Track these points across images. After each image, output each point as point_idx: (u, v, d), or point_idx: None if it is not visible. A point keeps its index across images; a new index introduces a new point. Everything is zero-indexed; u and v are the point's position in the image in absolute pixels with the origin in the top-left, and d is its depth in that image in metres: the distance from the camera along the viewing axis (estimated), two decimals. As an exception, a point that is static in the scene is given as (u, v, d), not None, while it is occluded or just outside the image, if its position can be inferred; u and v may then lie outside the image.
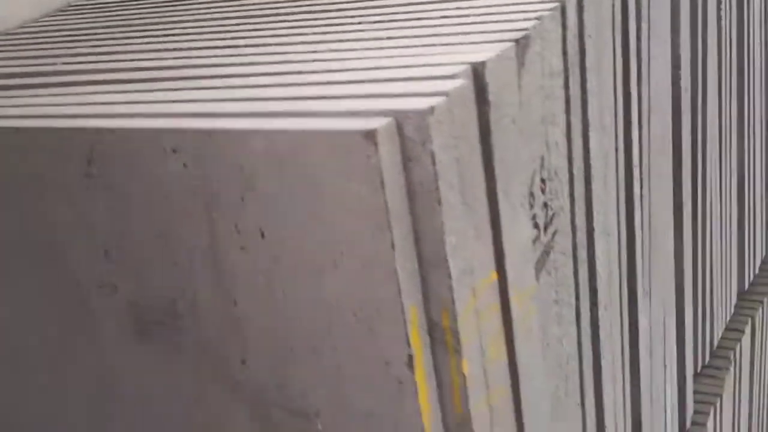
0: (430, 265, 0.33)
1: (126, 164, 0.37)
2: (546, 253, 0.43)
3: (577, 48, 0.42)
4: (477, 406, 0.36)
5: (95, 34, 0.57)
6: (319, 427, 0.38)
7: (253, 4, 0.57)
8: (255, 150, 0.32)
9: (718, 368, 0.90)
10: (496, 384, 0.37)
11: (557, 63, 0.41)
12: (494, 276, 0.36)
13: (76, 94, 0.43)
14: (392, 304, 0.33)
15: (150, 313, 0.41)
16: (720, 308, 0.91)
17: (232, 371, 0.40)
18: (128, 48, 0.51)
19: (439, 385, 0.35)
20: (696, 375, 0.88)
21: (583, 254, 0.48)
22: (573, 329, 0.48)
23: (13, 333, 0.49)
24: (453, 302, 0.33)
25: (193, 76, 0.42)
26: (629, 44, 0.50)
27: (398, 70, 0.35)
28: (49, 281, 0.44)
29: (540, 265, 0.42)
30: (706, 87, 0.75)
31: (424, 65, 0.35)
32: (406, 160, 0.31)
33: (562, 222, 0.45)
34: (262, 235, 0.35)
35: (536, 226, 0.41)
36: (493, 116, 0.34)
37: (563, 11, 0.40)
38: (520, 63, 0.36)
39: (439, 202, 0.31)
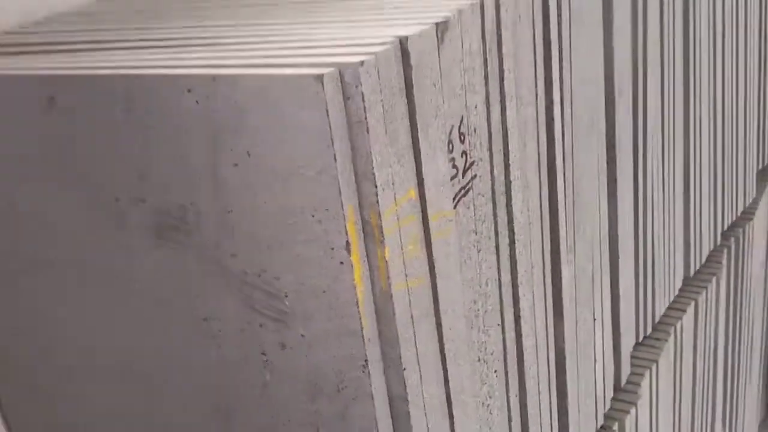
0: (363, 177, 0.47)
1: (154, 103, 0.51)
2: (464, 190, 0.56)
3: (495, 35, 0.56)
4: (397, 286, 0.50)
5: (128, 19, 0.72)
6: (287, 303, 0.52)
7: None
8: (245, 90, 0.47)
9: (657, 339, 1.03)
10: (413, 273, 0.51)
11: (476, 45, 0.55)
12: (413, 193, 0.50)
13: (120, 55, 0.58)
14: (335, 204, 0.47)
15: (167, 219, 0.55)
16: (662, 287, 1.03)
17: (224, 263, 0.54)
18: (156, 25, 0.66)
19: (370, 267, 0.49)
20: (637, 344, 1.01)
21: (502, 200, 0.62)
22: (492, 259, 0.62)
23: (56, 241, 0.63)
24: (378, 205, 0.47)
25: (199, 44, 0.57)
26: (551, 37, 0.64)
27: (346, 40, 0.49)
28: (91, 198, 0.59)
29: (458, 198, 0.56)
30: (646, 82, 0.88)
31: (365, 37, 0.49)
32: (345, 98, 0.45)
33: (482, 170, 0.58)
34: (248, 155, 0.49)
35: (455, 167, 0.55)
36: (415, 76, 0.48)
37: (482, 7, 0.54)
38: (440, 40, 0.50)
39: (367, 130, 0.45)
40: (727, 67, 1.12)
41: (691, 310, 1.09)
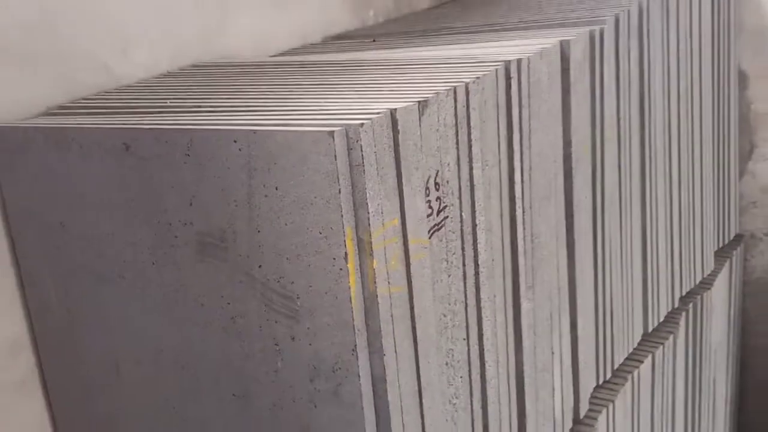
0: (359, 206, 0.65)
1: (208, 150, 0.69)
2: (438, 226, 0.74)
3: (465, 113, 0.75)
4: (381, 290, 0.67)
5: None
6: (298, 302, 0.69)
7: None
8: (277, 141, 0.65)
9: (615, 383, 1.18)
10: (395, 282, 0.68)
11: (450, 119, 0.73)
12: (396, 221, 0.67)
13: (181, 117, 0.77)
14: (338, 225, 0.64)
15: (209, 238, 0.73)
16: (621, 338, 1.19)
17: (252, 272, 0.71)
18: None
19: (362, 274, 0.66)
20: (597, 387, 1.16)
21: (469, 238, 0.79)
22: (460, 284, 0.79)
23: (122, 257, 0.81)
24: (369, 227, 0.65)
25: (242, 110, 0.75)
26: (512, 117, 0.83)
27: (351, 110, 0.68)
28: (151, 222, 0.77)
29: (432, 231, 0.73)
30: (603, 158, 1.06)
31: (366, 108, 0.67)
32: (349, 149, 0.63)
33: (453, 213, 0.76)
34: (276, 189, 0.67)
35: (430, 207, 0.72)
36: (401, 138, 0.67)
37: (455, 92, 0.73)
38: (421, 113, 0.69)
39: (364, 172, 0.63)
40: (683, 152, 1.30)
41: (648, 361, 1.24)
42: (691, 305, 1.38)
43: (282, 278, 0.69)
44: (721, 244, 1.53)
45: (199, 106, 0.81)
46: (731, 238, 1.56)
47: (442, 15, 1.46)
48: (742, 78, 1.49)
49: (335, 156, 0.62)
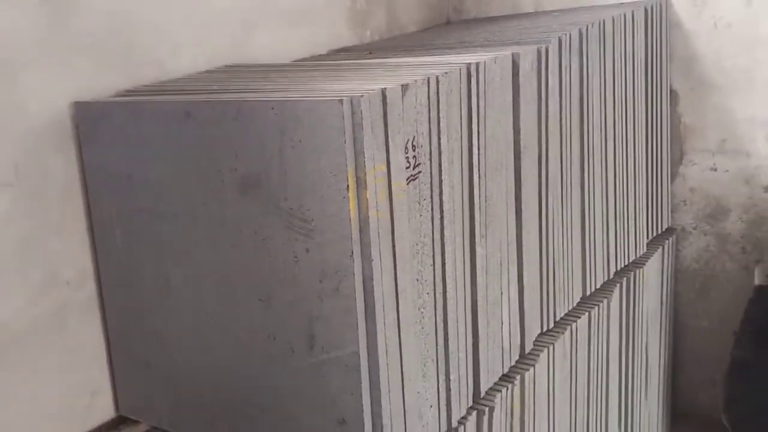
0: (359, 153, 0.93)
1: (252, 114, 0.98)
2: (413, 177, 1.02)
3: (435, 98, 1.04)
4: (371, 213, 0.95)
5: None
6: (312, 224, 0.97)
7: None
8: (302, 107, 0.94)
9: (556, 331, 1.46)
10: (381, 209, 0.96)
11: (424, 100, 1.03)
12: (383, 167, 0.96)
13: (227, 94, 1.06)
14: (343, 166, 0.93)
15: (249, 179, 1.01)
16: (562, 295, 1.47)
17: (279, 204, 0.99)
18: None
19: (358, 202, 0.94)
20: (540, 335, 1.44)
21: (436, 190, 1.08)
22: (429, 223, 1.07)
23: (180, 199, 1.09)
24: (365, 168, 0.93)
25: (273, 90, 1.04)
26: (471, 105, 1.12)
27: (355, 88, 0.97)
28: (204, 171, 1.05)
29: (409, 180, 1.02)
30: (548, 145, 1.35)
31: (365, 87, 0.96)
32: (353, 113, 0.92)
33: (424, 169, 1.05)
34: (300, 141, 0.95)
35: (408, 162, 1.01)
36: (389, 109, 0.96)
37: (428, 81, 1.03)
38: (403, 93, 0.98)
39: (362, 129, 0.92)
40: (618, 152, 1.60)
41: (585, 317, 1.52)
42: (625, 279, 1.67)
43: (302, 206, 0.98)
44: (654, 234, 1.82)
45: (243, 89, 1.10)
46: (663, 229, 1.86)
47: (425, 36, 1.77)
48: (674, 96, 1.80)
49: (343, 117, 0.91)
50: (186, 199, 1.09)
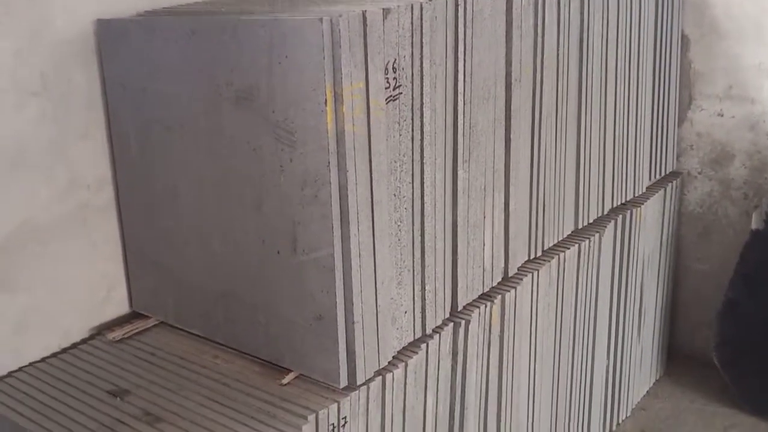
0: (337, 70, 1.02)
1: (245, 32, 1.07)
2: (393, 98, 1.11)
3: (419, 22, 1.11)
4: (348, 127, 1.04)
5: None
6: (296, 135, 1.07)
7: None
8: (287, 26, 1.03)
9: (544, 260, 1.53)
10: (357, 123, 1.05)
11: (407, 25, 1.10)
12: (361, 84, 1.04)
13: (223, 15, 1.15)
14: (322, 82, 1.02)
15: (242, 93, 1.11)
16: (551, 226, 1.54)
17: (268, 116, 1.09)
18: None
19: (336, 115, 1.03)
20: (527, 261, 1.52)
21: (418, 113, 1.16)
22: (408, 143, 1.15)
23: (182, 110, 1.19)
24: (341, 85, 1.02)
25: (264, 11, 1.13)
26: (457, 32, 1.19)
27: (337, 10, 1.05)
28: (203, 84, 1.15)
29: (389, 100, 1.10)
30: (543, 78, 1.41)
31: (347, 9, 1.04)
32: (332, 32, 1.00)
33: (405, 90, 1.13)
34: (286, 57, 1.04)
35: (388, 83, 1.09)
36: (368, 30, 1.04)
37: (412, 7, 1.10)
38: (384, 17, 1.06)
39: (340, 47, 1.01)
40: (619, 92, 1.65)
41: (575, 249, 1.59)
42: (620, 216, 1.72)
43: (287, 119, 1.07)
44: (657, 177, 1.87)
45: (246, 11, 1.19)
46: (667, 172, 1.90)
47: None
48: (685, 41, 1.82)
49: (322, 35, 1.00)
50: (190, 111, 1.20)
